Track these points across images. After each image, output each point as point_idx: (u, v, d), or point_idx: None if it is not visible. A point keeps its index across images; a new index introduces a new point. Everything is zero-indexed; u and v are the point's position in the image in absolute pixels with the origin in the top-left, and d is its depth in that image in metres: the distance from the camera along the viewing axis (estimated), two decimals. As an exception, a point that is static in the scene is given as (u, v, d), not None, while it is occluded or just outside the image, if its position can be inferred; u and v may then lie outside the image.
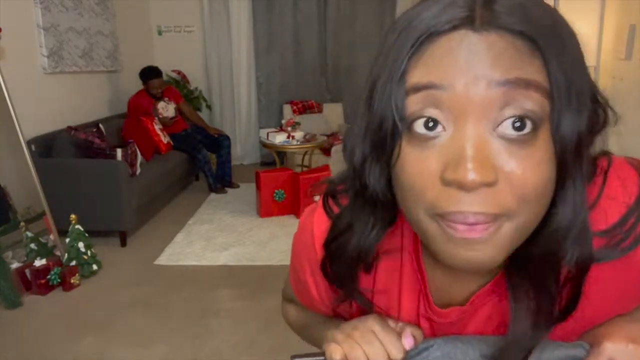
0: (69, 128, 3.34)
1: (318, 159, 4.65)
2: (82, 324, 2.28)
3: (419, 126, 0.38)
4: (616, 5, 2.40)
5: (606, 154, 0.46)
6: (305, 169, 4.52)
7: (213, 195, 4.39)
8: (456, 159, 0.36)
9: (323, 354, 0.51)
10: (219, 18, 5.39)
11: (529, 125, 0.36)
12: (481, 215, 0.36)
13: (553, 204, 0.40)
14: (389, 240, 0.50)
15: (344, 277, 0.51)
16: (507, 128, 0.36)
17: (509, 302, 0.43)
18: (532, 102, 0.36)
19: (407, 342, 0.49)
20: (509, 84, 0.36)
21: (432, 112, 0.38)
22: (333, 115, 5.50)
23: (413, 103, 0.38)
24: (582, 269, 0.42)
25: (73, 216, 2.75)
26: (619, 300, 0.46)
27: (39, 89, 3.37)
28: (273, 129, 4.49)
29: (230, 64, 5.51)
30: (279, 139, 4.20)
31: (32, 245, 2.69)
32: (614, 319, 0.47)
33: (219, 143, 4.56)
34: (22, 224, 2.71)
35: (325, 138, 4.53)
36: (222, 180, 4.57)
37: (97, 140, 3.37)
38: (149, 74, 4.25)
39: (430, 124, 0.38)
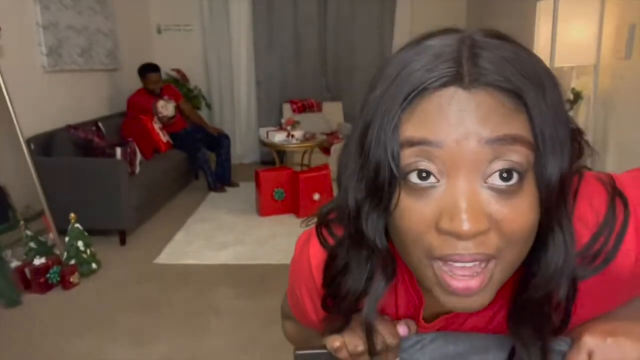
0: (69, 127, 3.34)
1: (318, 158, 4.65)
2: (82, 323, 2.28)
3: (414, 177, 0.40)
4: (616, 5, 2.39)
5: (578, 170, 0.47)
6: (304, 167, 4.52)
7: (212, 194, 4.39)
8: (451, 210, 0.38)
9: (325, 347, 0.54)
10: (218, 17, 5.39)
11: (515, 177, 0.39)
12: (477, 255, 0.39)
13: (545, 246, 0.43)
14: None
15: (345, 310, 0.53)
16: (495, 179, 0.39)
17: (513, 338, 0.47)
18: (518, 155, 0.39)
19: (402, 330, 0.53)
20: (497, 141, 0.38)
21: (426, 165, 0.40)
22: (333, 114, 5.50)
23: (407, 155, 0.40)
24: (571, 294, 0.45)
25: (72, 215, 2.75)
26: (600, 309, 0.50)
27: (38, 88, 3.37)
28: (273, 128, 4.49)
29: (229, 63, 5.50)
30: (279, 137, 4.20)
31: (32, 244, 2.69)
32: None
33: (219, 142, 4.56)
34: (22, 222, 2.70)
35: (324, 137, 4.53)
36: (221, 179, 4.57)
37: (96, 139, 3.37)
38: (146, 68, 4.26)
39: (424, 175, 0.40)
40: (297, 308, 0.65)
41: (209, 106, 5.61)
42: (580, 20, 2.43)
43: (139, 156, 3.61)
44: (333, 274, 0.51)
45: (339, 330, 0.54)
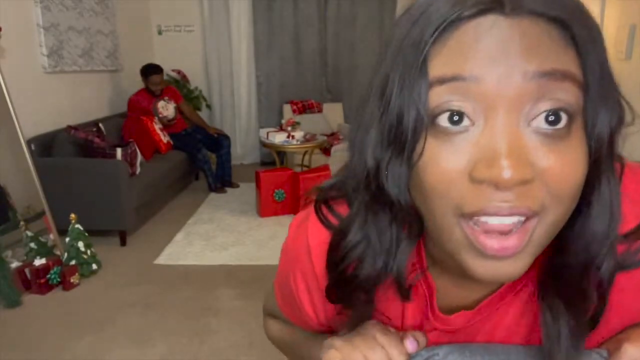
0: (69, 127, 3.34)
1: (318, 159, 4.65)
2: (82, 324, 2.28)
3: (444, 120, 0.35)
4: (616, 5, 2.39)
5: (619, 158, 0.42)
6: (305, 168, 4.52)
7: (213, 195, 4.39)
8: (489, 155, 0.33)
9: None
10: (219, 17, 5.39)
11: (564, 119, 0.34)
12: (518, 208, 0.34)
13: (588, 205, 0.38)
14: None
15: (358, 301, 0.46)
16: (541, 122, 0.34)
17: (541, 315, 0.42)
18: (567, 95, 0.34)
19: (410, 345, 0.46)
20: (544, 76, 0.33)
21: (459, 105, 0.34)
22: (333, 115, 5.50)
23: (437, 95, 0.35)
24: (610, 277, 0.40)
25: (73, 215, 2.75)
26: None
27: (39, 88, 3.37)
28: (273, 129, 4.50)
29: (230, 64, 5.51)
30: (279, 138, 4.20)
31: (32, 245, 2.69)
32: (633, 324, 0.45)
33: (219, 143, 4.56)
34: (22, 223, 2.71)
35: (325, 138, 4.53)
36: (221, 180, 4.57)
37: (97, 140, 3.37)
38: (149, 69, 4.26)
39: (456, 118, 0.35)
40: (289, 303, 0.57)
41: (209, 107, 5.62)
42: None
43: (139, 157, 3.61)
44: (342, 254, 0.44)
45: (353, 325, 0.48)
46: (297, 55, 5.58)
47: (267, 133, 4.32)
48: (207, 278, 2.76)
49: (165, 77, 4.58)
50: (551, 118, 0.34)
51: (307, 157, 4.60)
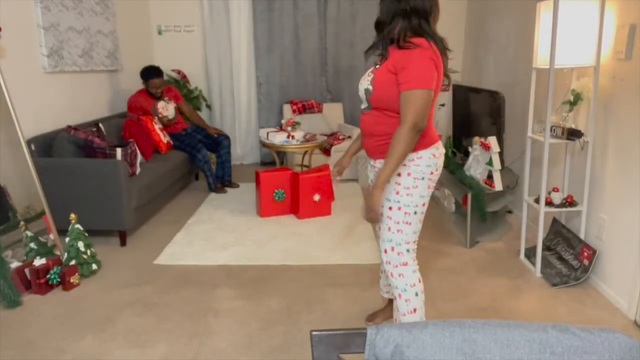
0: (69, 127, 3.34)
1: (318, 159, 4.65)
2: (82, 324, 2.28)
3: None
4: (616, 5, 2.39)
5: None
6: (305, 168, 4.52)
7: (213, 195, 4.39)
8: None
9: (339, 329, 0.64)
10: (219, 18, 5.40)
11: None
12: None
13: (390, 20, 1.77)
14: None
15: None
16: None
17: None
18: None
19: None
20: None
21: None
22: (333, 115, 5.50)
23: None
24: (393, 42, 1.75)
25: (73, 215, 2.75)
26: (396, 63, 1.68)
27: (38, 89, 3.37)
28: (273, 129, 4.49)
29: (230, 64, 5.51)
30: (279, 138, 4.20)
31: (32, 245, 2.69)
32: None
33: (219, 143, 4.56)
34: (22, 223, 2.71)
35: (325, 138, 4.52)
36: (222, 180, 4.57)
37: (97, 140, 3.37)
38: (150, 73, 4.26)
39: None
40: None
41: (209, 107, 5.62)
42: (580, 20, 2.43)
43: (139, 157, 3.61)
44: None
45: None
46: (297, 55, 5.58)
47: (267, 133, 4.32)
48: (207, 278, 2.76)
49: (165, 77, 4.58)
50: None
51: (307, 157, 4.60)
